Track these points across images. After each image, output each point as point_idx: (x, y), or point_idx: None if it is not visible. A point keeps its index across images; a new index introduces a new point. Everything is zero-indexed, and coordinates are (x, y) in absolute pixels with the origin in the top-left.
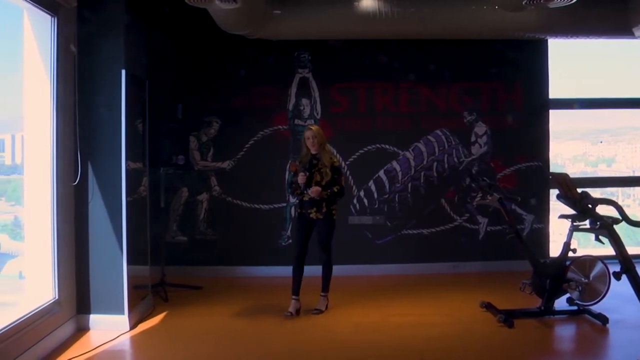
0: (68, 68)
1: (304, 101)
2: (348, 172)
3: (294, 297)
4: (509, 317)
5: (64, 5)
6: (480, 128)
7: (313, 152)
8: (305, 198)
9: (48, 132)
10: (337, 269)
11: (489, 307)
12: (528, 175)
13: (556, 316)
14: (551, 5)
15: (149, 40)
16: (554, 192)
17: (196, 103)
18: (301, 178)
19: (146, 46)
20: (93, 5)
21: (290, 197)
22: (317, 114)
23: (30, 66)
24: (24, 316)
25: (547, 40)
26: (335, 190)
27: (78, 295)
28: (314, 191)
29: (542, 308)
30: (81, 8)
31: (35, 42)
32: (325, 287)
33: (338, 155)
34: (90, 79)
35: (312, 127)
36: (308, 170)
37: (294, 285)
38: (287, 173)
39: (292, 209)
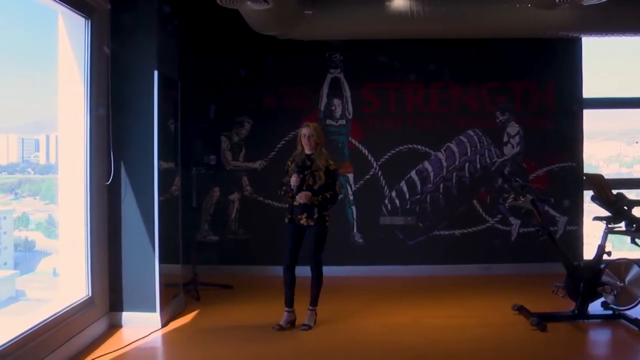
0: (101, 69)
1: (336, 101)
2: (380, 173)
3: (287, 309)
4: (541, 321)
5: (98, 7)
6: (513, 128)
7: (308, 152)
8: (296, 203)
9: (82, 132)
10: (368, 270)
11: (521, 309)
12: (561, 176)
13: (590, 320)
14: (585, 3)
15: (181, 42)
16: (587, 194)
17: (228, 103)
18: (294, 180)
19: (178, 47)
20: (126, 7)
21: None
22: (349, 114)
23: (65, 67)
24: (58, 313)
25: (580, 38)
26: (328, 196)
27: (111, 293)
28: (302, 196)
29: (576, 312)
30: (114, 10)
31: (70, 44)
32: (314, 301)
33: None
34: (123, 80)
35: (310, 124)
36: (301, 171)
37: (287, 296)
38: None
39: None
